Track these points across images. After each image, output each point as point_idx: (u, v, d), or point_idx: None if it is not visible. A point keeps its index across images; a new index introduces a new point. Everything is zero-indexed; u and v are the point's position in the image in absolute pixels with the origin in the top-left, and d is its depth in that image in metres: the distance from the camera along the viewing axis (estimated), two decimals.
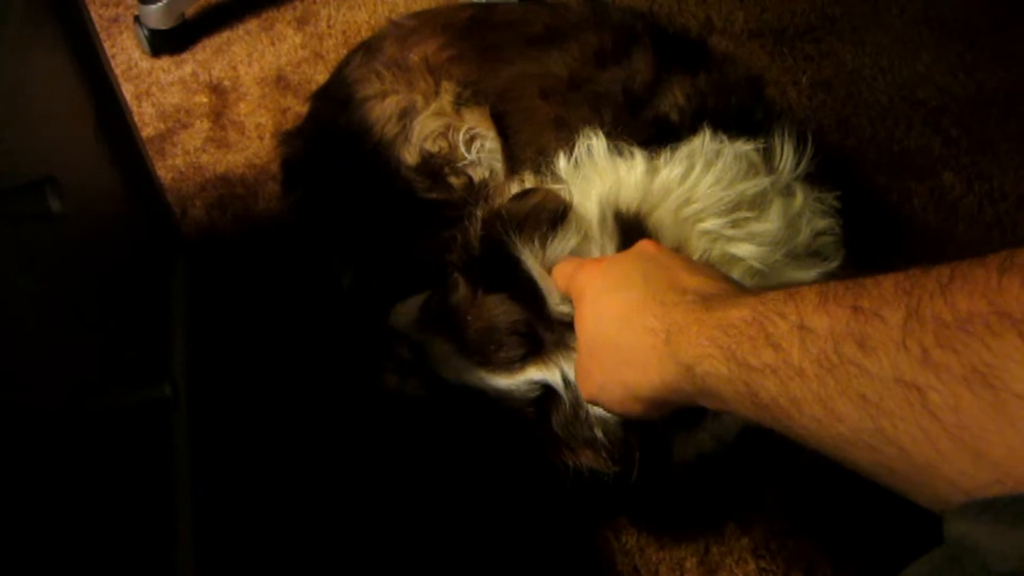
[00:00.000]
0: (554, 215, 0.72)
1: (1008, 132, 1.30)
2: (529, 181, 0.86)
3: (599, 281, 0.62)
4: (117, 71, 1.29)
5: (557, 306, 0.71)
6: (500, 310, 0.73)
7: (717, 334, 0.49)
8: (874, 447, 0.40)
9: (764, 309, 0.47)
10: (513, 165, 0.97)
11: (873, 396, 0.39)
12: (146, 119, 1.27)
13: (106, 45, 1.30)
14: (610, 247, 0.72)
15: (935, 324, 0.37)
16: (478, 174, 0.98)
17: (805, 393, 0.43)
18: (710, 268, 0.60)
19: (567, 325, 0.71)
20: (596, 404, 0.65)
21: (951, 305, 0.37)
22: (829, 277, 0.79)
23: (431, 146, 0.99)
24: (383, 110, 1.00)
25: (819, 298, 0.44)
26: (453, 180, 0.99)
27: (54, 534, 0.61)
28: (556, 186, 0.78)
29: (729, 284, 0.57)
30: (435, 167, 0.99)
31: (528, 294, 0.72)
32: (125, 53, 1.33)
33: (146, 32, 1.30)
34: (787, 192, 0.81)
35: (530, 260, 0.71)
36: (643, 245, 0.64)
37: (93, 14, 1.33)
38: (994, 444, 0.35)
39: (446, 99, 0.98)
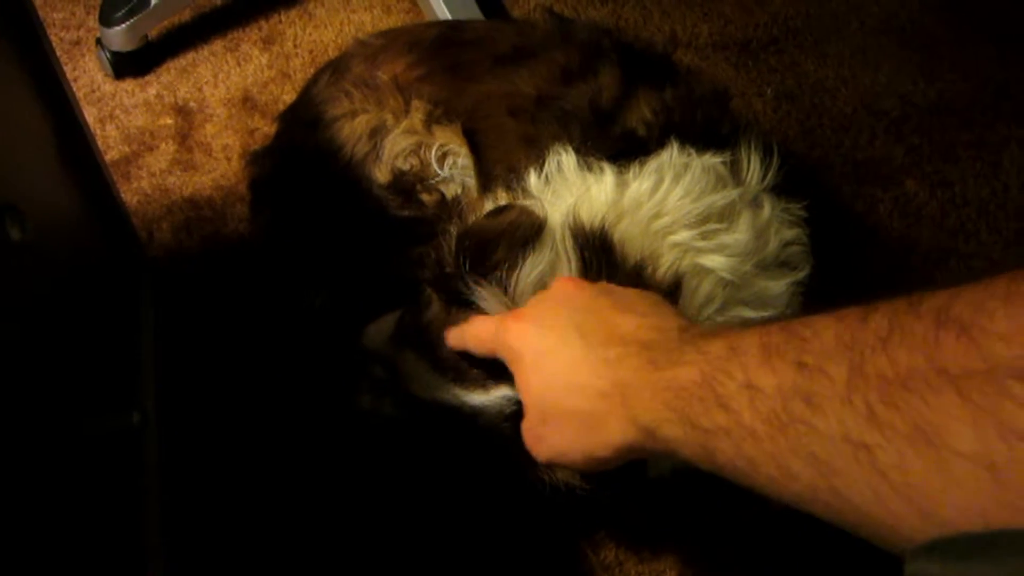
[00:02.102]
0: (529, 232, 0.72)
1: (968, 140, 1.33)
2: (501, 198, 0.86)
3: (532, 340, 0.59)
4: (79, 94, 1.27)
5: None
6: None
7: (670, 397, 0.49)
8: (830, 504, 0.40)
9: (710, 369, 0.47)
10: (485, 182, 0.97)
11: (823, 455, 0.40)
12: (110, 142, 1.25)
13: (68, 68, 1.29)
14: (576, 264, 0.72)
15: (878, 380, 0.37)
16: (450, 191, 0.98)
17: (759, 454, 0.43)
18: (631, 297, 0.59)
19: None
20: (552, 466, 0.64)
21: (892, 361, 0.37)
22: (798, 287, 0.80)
23: (403, 164, 0.99)
24: (353, 129, 1.00)
25: (762, 353, 0.44)
26: (425, 197, 0.98)
27: (21, 561, 0.59)
28: (529, 202, 0.78)
29: (657, 315, 0.56)
30: (407, 185, 0.98)
31: (505, 309, 0.71)
32: (87, 76, 1.32)
33: (109, 54, 1.28)
34: (755, 203, 0.82)
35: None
36: (561, 286, 0.62)
37: (53, 37, 1.32)
38: (942, 504, 0.34)
39: (417, 117, 0.98)
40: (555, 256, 0.72)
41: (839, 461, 0.39)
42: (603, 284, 0.63)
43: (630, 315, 0.56)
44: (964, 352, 0.35)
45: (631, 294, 0.60)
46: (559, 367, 0.57)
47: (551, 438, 0.59)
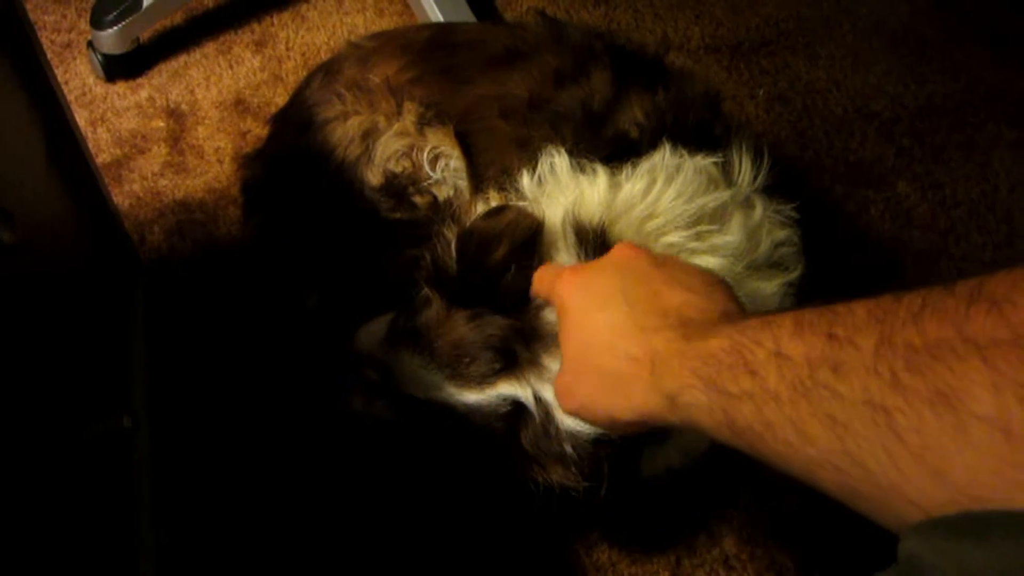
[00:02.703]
0: (527, 232, 0.72)
1: (958, 141, 1.34)
2: (494, 199, 0.86)
3: (581, 297, 0.62)
4: (71, 97, 1.27)
5: (545, 317, 0.71)
6: (474, 324, 0.73)
7: (698, 365, 0.51)
8: (841, 468, 0.41)
9: (742, 338, 0.48)
10: (477, 184, 0.97)
11: (842, 418, 0.41)
12: (102, 145, 1.25)
13: (59, 71, 1.28)
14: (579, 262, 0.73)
15: (905, 349, 0.39)
16: (443, 193, 0.98)
17: (779, 417, 0.44)
18: (688, 273, 0.60)
19: (544, 341, 0.71)
20: (574, 417, 0.66)
21: (921, 332, 0.38)
22: (790, 287, 0.81)
23: (395, 166, 0.99)
24: (345, 131, 1.00)
25: (794, 326, 0.46)
26: (418, 199, 0.98)
27: (14, 563, 0.59)
28: (523, 203, 0.78)
29: (707, 296, 0.57)
30: (399, 187, 0.98)
31: (507, 308, 0.72)
32: (79, 79, 1.31)
33: (100, 57, 1.28)
34: (747, 205, 0.82)
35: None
36: (621, 251, 0.64)
37: (44, 40, 1.31)
38: (954, 464, 0.36)
39: (409, 119, 0.98)
40: (553, 256, 0.73)
41: (857, 423, 0.40)
42: (664, 255, 0.65)
43: (679, 290, 0.58)
44: (993, 324, 0.36)
45: (690, 271, 0.61)
46: (599, 327, 0.59)
47: (579, 392, 0.61)
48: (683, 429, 0.55)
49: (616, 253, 0.64)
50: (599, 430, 0.68)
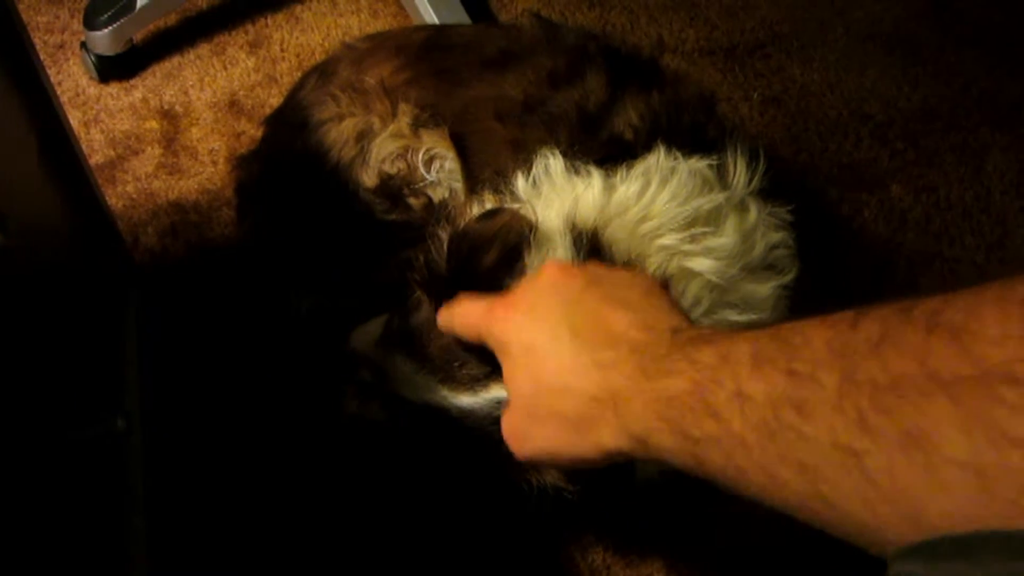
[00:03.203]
0: (522, 234, 0.72)
1: (952, 144, 1.34)
2: (489, 201, 0.86)
3: (522, 335, 0.58)
4: (64, 98, 1.26)
5: None
6: None
7: (661, 407, 0.49)
8: (817, 511, 0.40)
9: (700, 378, 0.47)
10: (473, 186, 0.97)
11: (812, 462, 0.40)
12: (95, 146, 1.24)
13: (51, 72, 1.28)
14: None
15: (870, 387, 0.37)
16: (438, 194, 0.98)
17: (748, 463, 0.43)
18: (623, 286, 0.58)
19: None
20: (534, 463, 0.63)
21: (883, 367, 0.37)
22: (784, 289, 0.81)
23: (390, 168, 0.98)
24: (340, 133, 0.99)
25: (752, 361, 0.44)
26: (412, 201, 0.98)
27: (5, 565, 0.58)
28: (518, 205, 0.78)
29: (648, 309, 0.55)
30: (394, 188, 0.98)
31: None
32: (72, 80, 1.31)
33: (93, 58, 1.27)
34: (741, 207, 0.82)
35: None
36: (551, 274, 0.60)
37: (37, 40, 1.31)
38: (928, 510, 0.35)
39: (404, 121, 0.98)
40: (549, 258, 0.73)
41: (827, 468, 0.39)
42: (592, 269, 0.62)
43: (621, 310, 0.55)
44: (955, 357, 0.34)
45: (623, 280, 0.59)
46: (549, 367, 0.55)
47: (538, 437, 0.58)
48: (657, 464, 0.53)
49: (546, 276, 0.60)
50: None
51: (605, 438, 0.53)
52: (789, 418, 0.41)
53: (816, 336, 0.42)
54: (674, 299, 0.58)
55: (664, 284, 0.68)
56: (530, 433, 0.58)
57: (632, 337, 0.53)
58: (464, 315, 0.65)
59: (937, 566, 0.34)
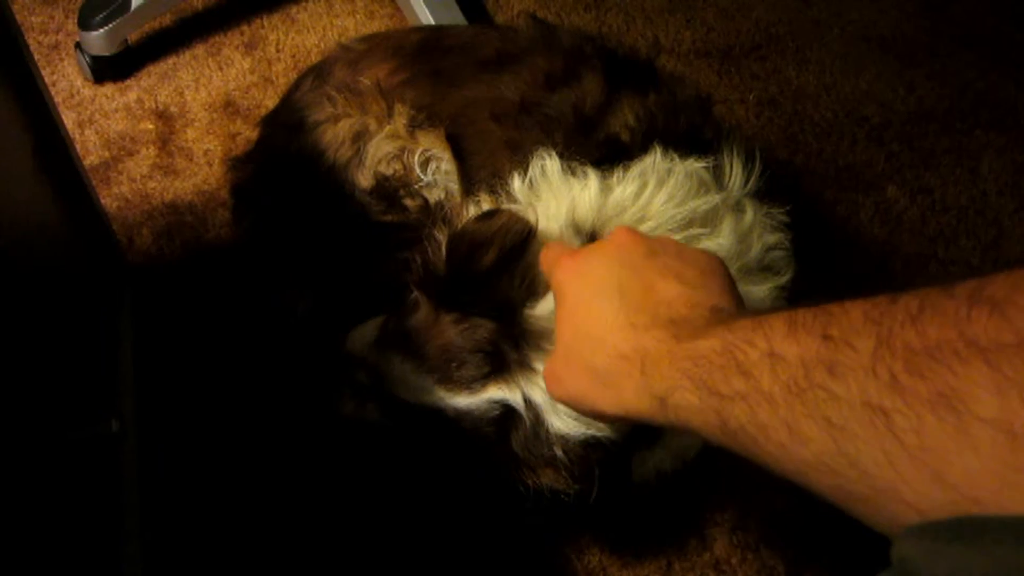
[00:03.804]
0: (519, 236, 0.72)
1: (947, 146, 1.34)
2: (485, 202, 0.86)
3: (576, 285, 0.62)
4: (58, 99, 1.26)
5: (533, 316, 0.71)
6: (463, 328, 0.73)
7: (688, 365, 0.50)
8: (836, 470, 0.41)
9: (733, 338, 0.48)
10: (468, 187, 0.97)
11: (839, 419, 0.40)
12: (90, 147, 1.24)
13: (46, 72, 1.28)
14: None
15: (905, 351, 0.38)
16: (434, 196, 0.98)
17: (772, 419, 0.44)
18: (684, 262, 0.60)
19: (533, 343, 0.70)
20: (563, 405, 0.66)
21: (921, 334, 0.38)
22: (781, 291, 0.81)
23: (386, 169, 0.98)
24: (336, 134, 0.99)
25: (788, 326, 0.45)
26: (409, 202, 0.98)
27: None
28: (515, 206, 0.78)
29: (701, 288, 0.57)
30: (390, 190, 0.98)
31: (496, 312, 0.72)
32: (66, 80, 1.30)
33: (88, 59, 1.27)
34: (738, 208, 0.82)
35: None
36: (619, 237, 0.63)
37: (31, 41, 1.31)
38: (953, 465, 0.35)
39: (400, 122, 0.98)
40: None
41: (854, 425, 0.39)
42: (662, 240, 0.64)
43: (673, 283, 0.57)
44: (996, 327, 0.35)
45: (687, 259, 0.60)
46: (591, 320, 0.58)
47: (568, 382, 0.61)
48: (674, 430, 0.54)
49: (614, 238, 0.63)
50: (590, 432, 0.68)
51: (627, 394, 0.55)
52: (819, 378, 0.41)
53: (854, 307, 0.43)
54: (733, 283, 0.59)
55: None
56: (563, 378, 0.61)
57: (675, 310, 0.55)
58: (545, 255, 0.69)
59: (940, 548, 0.34)
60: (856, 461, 0.39)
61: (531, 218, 0.73)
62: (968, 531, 0.34)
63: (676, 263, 0.60)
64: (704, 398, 0.48)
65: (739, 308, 0.57)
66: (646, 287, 0.58)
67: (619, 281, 0.59)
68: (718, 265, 0.61)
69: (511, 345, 0.71)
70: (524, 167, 0.82)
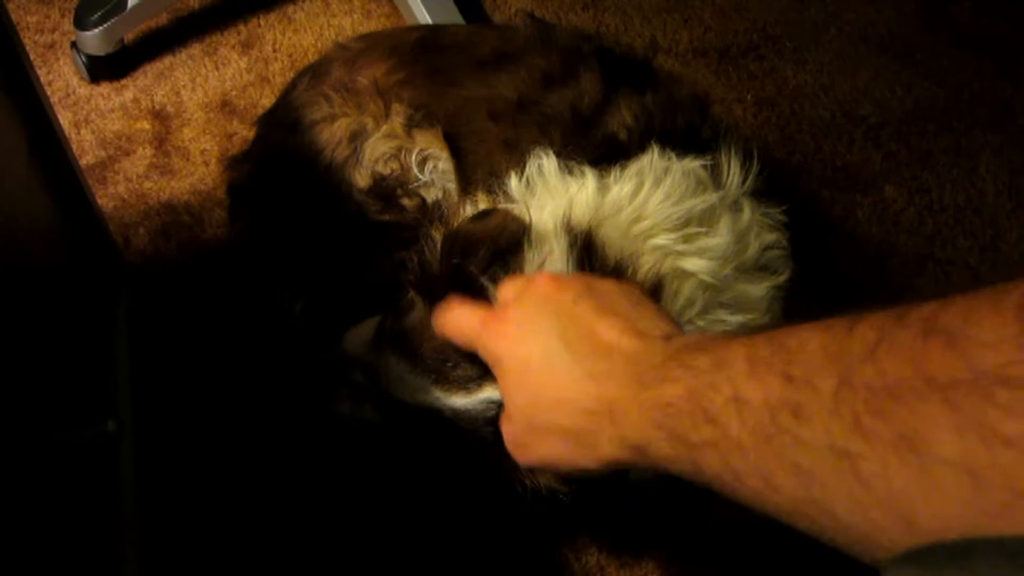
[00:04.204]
0: (515, 235, 0.71)
1: (944, 146, 1.34)
2: (482, 202, 0.85)
3: (516, 350, 0.59)
4: (54, 98, 1.26)
5: None
6: None
7: (657, 415, 0.49)
8: (811, 516, 0.40)
9: (697, 384, 0.47)
10: (466, 186, 0.97)
11: (807, 465, 0.40)
12: (85, 147, 1.24)
13: (42, 72, 1.27)
14: (571, 266, 0.72)
15: (865, 391, 0.38)
16: (431, 195, 0.98)
17: (744, 466, 0.43)
18: (611, 294, 0.58)
19: None
20: (534, 471, 0.65)
21: (879, 371, 0.37)
22: (778, 290, 0.81)
23: (383, 168, 0.98)
24: (333, 133, 0.99)
25: (748, 366, 0.44)
26: (406, 202, 0.98)
27: None
28: (511, 205, 0.78)
29: (639, 317, 0.56)
30: (387, 189, 0.98)
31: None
32: (62, 80, 1.30)
33: (84, 58, 1.27)
34: (735, 207, 0.82)
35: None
36: (542, 286, 0.60)
37: (27, 40, 1.30)
38: (921, 512, 0.35)
39: (397, 121, 0.98)
40: (543, 259, 0.72)
41: (823, 471, 0.39)
42: (583, 280, 0.62)
43: (612, 317, 0.56)
44: (951, 361, 0.35)
45: (612, 291, 0.59)
46: (544, 381, 0.56)
47: (538, 448, 0.59)
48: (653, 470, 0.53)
49: (537, 288, 0.61)
50: None
51: (604, 449, 0.53)
52: (786, 422, 0.41)
53: (812, 340, 0.42)
54: (662, 307, 0.59)
55: (657, 285, 0.68)
56: (531, 444, 0.59)
57: (625, 346, 0.54)
58: (456, 323, 0.65)
59: (930, 573, 0.34)
60: (828, 509, 0.39)
61: (527, 217, 0.73)
62: (956, 554, 0.33)
63: (607, 298, 0.58)
64: (677, 448, 0.48)
65: (679, 328, 0.56)
66: (588, 333, 0.56)
67: (559, 332, 0.56)
68: (640, 291, 0.60)
69: None
70: (521, 166, 0.82)
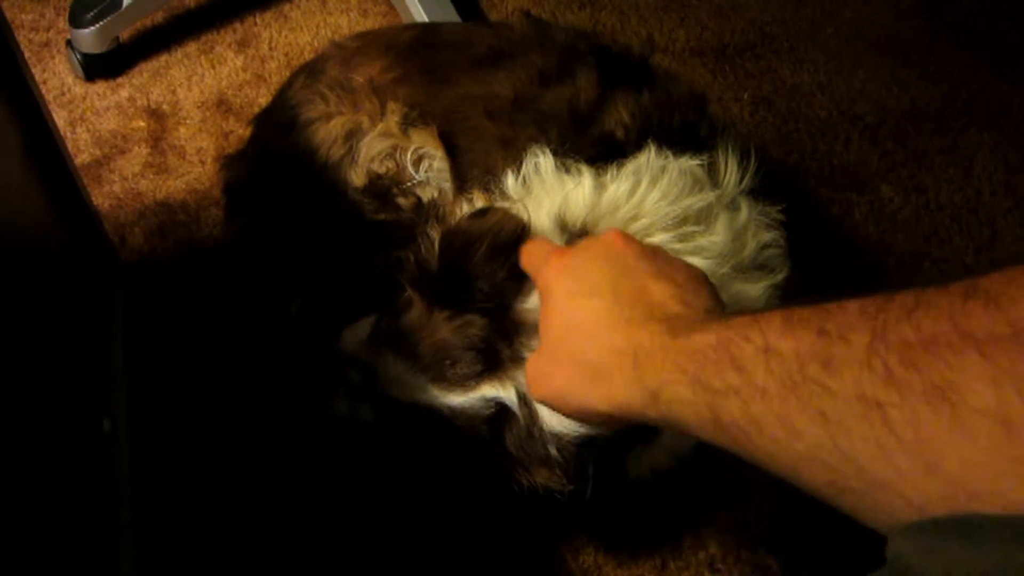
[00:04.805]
0: (513, 234, 0.71)
1: (941, 145, 1.35)
2: (479, 200, 0.85)
3: (567, 283, 0.61)
4: (49, 97, 1.25)
5: (525, 307, 0.71)
6: (456, 326, 0.72)
7: (682, 360, 0.50)
8: (830, 465, 0.40)
9: (729, 333, 0.48)
10: (462, 185, 0.97)
11: (833, 413, 0.40)
12: (81, 145, 1.23)
13: (37, 70, 1.27)
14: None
15: (899, 345, 0.38)
16: (427, 194, 0.98)
17: (766, 413, 0.44)
18: (675, 268, 0.60)
19: (525, 335, 0.70)
20: (547, 406, 0.65)
21: (916, 328, 0.38)
22: (775, 289, 0.80)
23: (378, 167, 0.98)
24: (328, 132, 0.99)
25: (784, 322, 0.45)
26: (402, 200, 0.98)
27: None
28: (508, 204, 0.78)
29: (693, 291, 0.57)
30: (383, 188, 0.97)
31: (489, 309, 0.71)
32: (58, 78, 1.30)
33: (79, 56, 1.26)
34: (732, 206, 0.82)
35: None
36: (610, 239, 0.63)
37: (22, 39, 1.30)
38: (948, 457, 0.35)
39: (392, 120, 0.97)
40: None
41: (849, 419, 0.39)
42: (652, 246, 0.64)
43: (666, 284, 0.57)
44: (991, 318, 0.36)
45: (677, 266, 0.61)
46: (583, 314, 0.58)
47: (556, 379, 0.60)
48: (663, 426, 0.54)
49: (605, 239, 0.63)
50: (584, 431, 0.67)
51: (617, 389, 0.54)
52: (814, 372, 0.41)
53: (851, 303, 0.43)
54: (716, 291, 0.59)
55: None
56: (549, 374, 0.61)
57: (669, 307, 0.55)
58: (530, 254, 0.69)
59: (934, 544, 0.34)
60: (851, 455, 0.39)
61: (524, 216, 0.73)
62: (963, 529, 0.34)
63: (667, 267, 0.60)
64: (697, 392, 0.48)
65: (724, 309, 0.57)
66: (639, 288, 0.58)
67: (612, 280, 0.59)
68: (705, 276, 0.61)
69: (504, 341, 0.71)
70: (518, 164, 0.81)
